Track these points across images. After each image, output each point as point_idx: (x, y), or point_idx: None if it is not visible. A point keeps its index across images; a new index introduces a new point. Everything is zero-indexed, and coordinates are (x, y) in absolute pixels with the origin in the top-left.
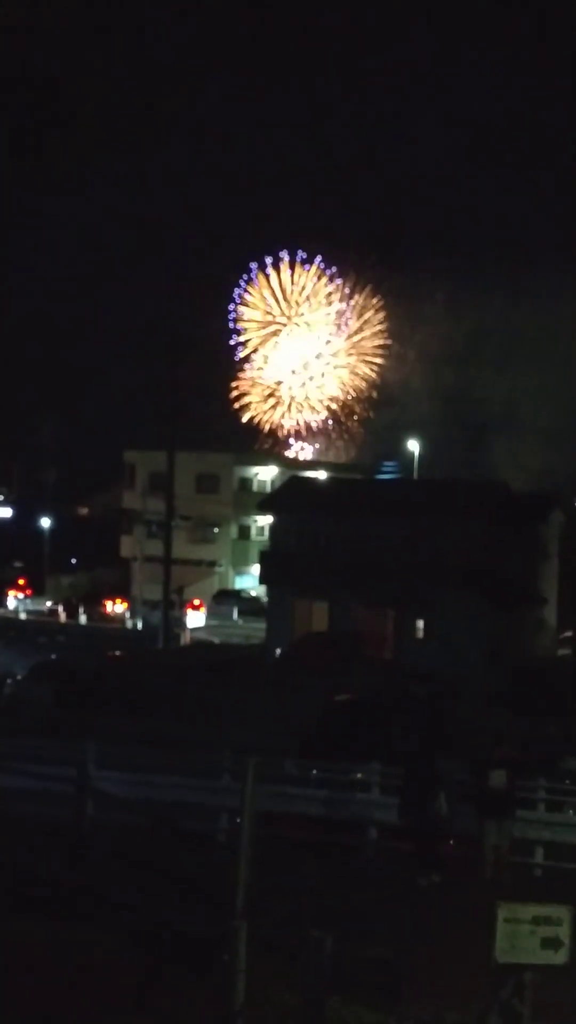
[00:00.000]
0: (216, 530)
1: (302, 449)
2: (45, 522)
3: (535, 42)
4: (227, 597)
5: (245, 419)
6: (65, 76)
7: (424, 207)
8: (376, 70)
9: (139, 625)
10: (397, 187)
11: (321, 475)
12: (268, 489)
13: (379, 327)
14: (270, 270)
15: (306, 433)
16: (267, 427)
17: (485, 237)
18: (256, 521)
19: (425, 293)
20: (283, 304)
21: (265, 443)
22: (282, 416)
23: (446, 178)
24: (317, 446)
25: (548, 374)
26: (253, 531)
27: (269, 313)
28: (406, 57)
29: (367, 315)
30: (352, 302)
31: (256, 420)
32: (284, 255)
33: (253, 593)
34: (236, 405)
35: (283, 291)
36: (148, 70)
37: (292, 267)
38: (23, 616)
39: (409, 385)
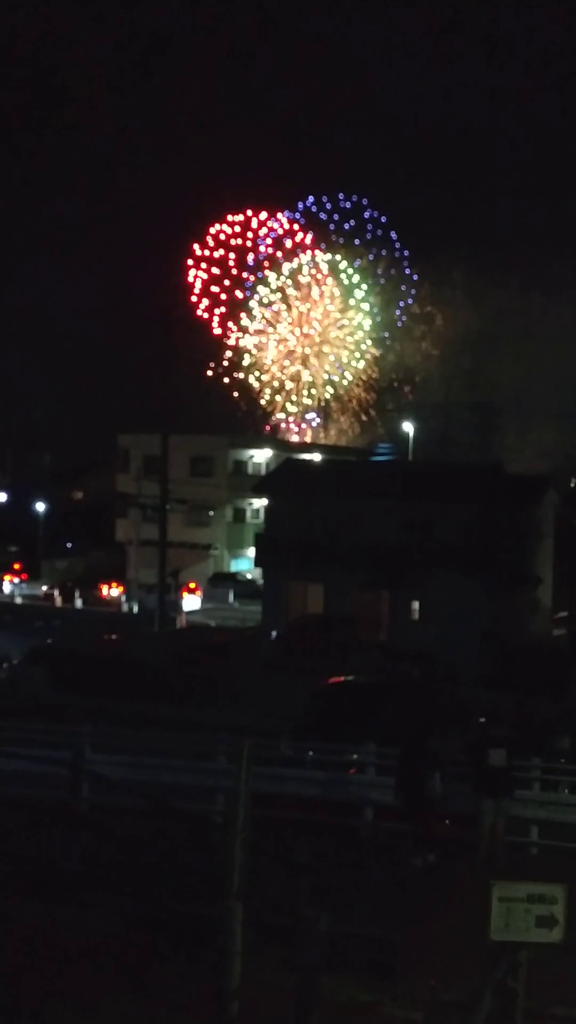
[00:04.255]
0: (211, 513)
1: (313, 423)
2: (40, 506)
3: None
4: (223, 580)
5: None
6: (57, 45)
7: (441, 187)
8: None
9: (135, 609)
10: (412, 164)
11: (316, 457)
12: (263, 472)
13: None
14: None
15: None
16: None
17: (502, 218)
18: (251, 504)
19: (442, 274)
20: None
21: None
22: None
23: (464, 158)
24: (317, 422)
25: (560, 356)
26: (248, 514)
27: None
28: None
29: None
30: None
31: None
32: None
33: (249, 576)
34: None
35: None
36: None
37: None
38: (19, 600)
39: (420, 367)
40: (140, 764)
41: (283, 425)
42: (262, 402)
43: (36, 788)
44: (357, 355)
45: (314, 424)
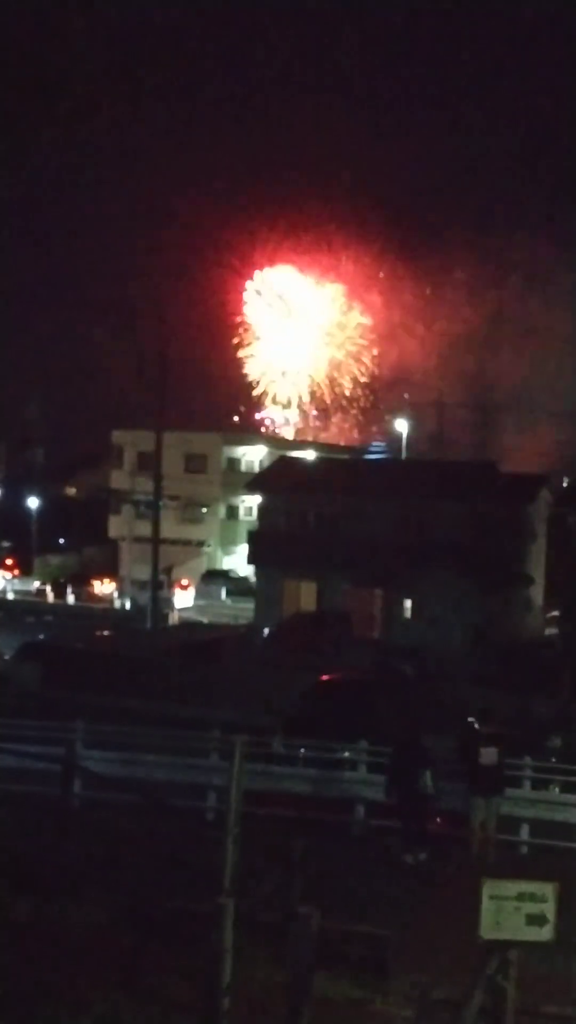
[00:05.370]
0: (204, 510)
1: (312, 420)
2: (32, 502)
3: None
4: (215, 577)
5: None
6: (57, 43)
7: (442, 183)
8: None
9: (127, 605)
10: (410, 161)
11: (309, 455)
12: (256, 469)
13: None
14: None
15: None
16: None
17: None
18: (244, 501)
19: (442, 273)
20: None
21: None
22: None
23: (459, 153)
24: (314, 416)
25: (558, 355)
26: (241, 511)
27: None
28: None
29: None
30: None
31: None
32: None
33: (241, 573)
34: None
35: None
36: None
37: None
38: (11, 596)
39: (420, 367)
40: (132, 760)
41: (275, 421)
42: (260, 396)
43: (27, 784)
44: (356, 354)
45: (311, 415)
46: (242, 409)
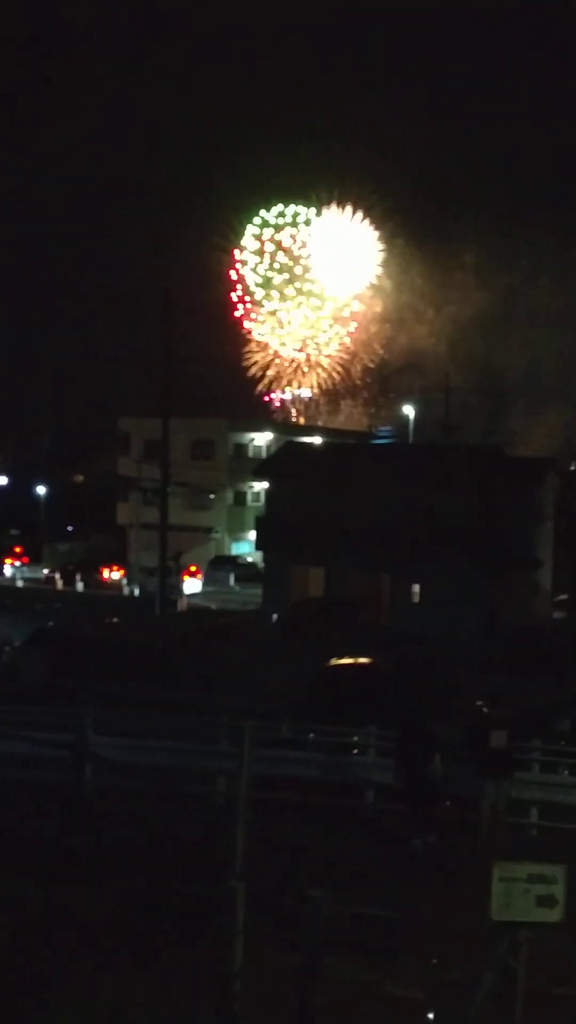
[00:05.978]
0: (212, 496)
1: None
2: (41, 489)
3: None
4: (224, 563)
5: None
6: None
7: (452, 168)
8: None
9: (136, 592)
10: (421, 146)
11: (316, 440)
12: (263, 455)
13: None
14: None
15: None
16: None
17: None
18: (252, 487)
19: (452, 257)
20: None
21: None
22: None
23: (471, 135)
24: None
25: (568, 338)
26: (249, 497)
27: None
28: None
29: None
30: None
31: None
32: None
33: (249, 559)
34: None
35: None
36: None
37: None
38: (20, 584)
39: (429, 351)
40: (142, 746)
41: (285, 405)
42: (271, 379)
43: (39, 771)
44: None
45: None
46: (254, 399)
